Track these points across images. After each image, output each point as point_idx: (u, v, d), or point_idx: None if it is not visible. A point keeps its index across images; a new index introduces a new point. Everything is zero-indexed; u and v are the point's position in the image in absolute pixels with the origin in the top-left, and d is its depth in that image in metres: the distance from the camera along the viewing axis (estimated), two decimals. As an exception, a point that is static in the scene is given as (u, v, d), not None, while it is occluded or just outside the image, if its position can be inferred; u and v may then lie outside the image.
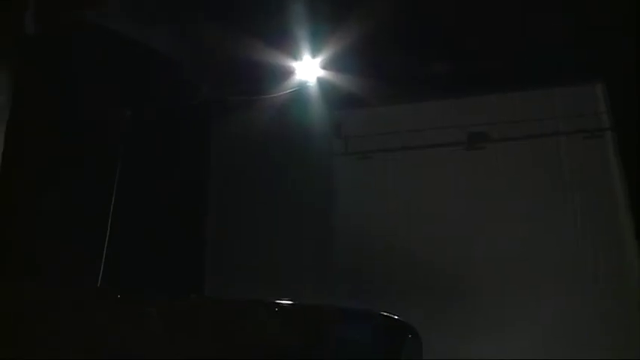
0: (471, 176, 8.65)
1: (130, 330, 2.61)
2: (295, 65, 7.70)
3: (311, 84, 8.00)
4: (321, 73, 7.82)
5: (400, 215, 8.63)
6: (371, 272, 8.13)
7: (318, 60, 7.60)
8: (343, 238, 8.54)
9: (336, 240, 8.60)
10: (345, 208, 8.70)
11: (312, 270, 8.31)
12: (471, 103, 8.68)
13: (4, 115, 6.19)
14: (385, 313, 2.57)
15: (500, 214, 8.28)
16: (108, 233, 6.60)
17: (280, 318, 2.63)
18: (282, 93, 7.94)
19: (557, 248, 7.94)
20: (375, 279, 8.01)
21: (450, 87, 8.26)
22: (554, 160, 8.34)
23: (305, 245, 8.42)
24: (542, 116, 8.34)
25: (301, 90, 8.01)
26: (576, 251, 7.87)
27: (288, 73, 7.79)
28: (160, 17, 7.18)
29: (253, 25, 7.00)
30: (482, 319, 7.86)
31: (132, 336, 2.63)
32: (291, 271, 7.97)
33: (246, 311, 2.67)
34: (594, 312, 7.40)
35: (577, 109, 8.23)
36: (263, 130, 8.27)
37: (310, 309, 2.68)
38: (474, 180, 8.60)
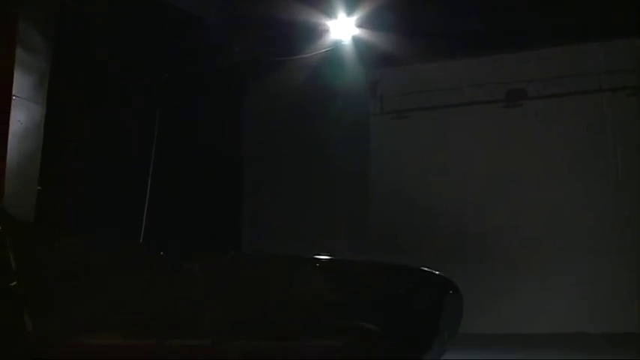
0: (508, 135, 8.52)
1: (173, 287, 2.68)
2: (330, 24, 7.57)
3: (346, 43, 7.86)
4: (357, 31, 7.68)
5: (436, 174, 8.57)
6: (406, 231, 8.13)
7: (354, 18, 7.46)
8: (379, 197, 8.55)
9: (371, 199, 8.61)
10: (380, 168, 8.67)
11: (348, 229, 8.35)
12: (509, 59, 8.48)
13: (44, 81, 6.31)
14: (426, 268, 2.56)
15: (537, 175, 8.16)
16: (148, 194, 6.72)
17: (321, 273, 2.65)
18: (316, 52, 7.85)
19: (591, 213, 7.83)
20: (410, 237, 8.01)
21: (488, 43, 8.06)
22: (595, 118, 8.13)
23: (341, 204, 8.45)
24: (584, 72, 8.11)
25: (336, 49, 7.89)
26: (611, 218, 7.75)
27: (322, 32, 7.68)
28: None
29: (287, -16, 6.92)
30: (515, 280, 7.85)
31: (174, 293, 2.70)
32: (327, 230, 8.01)
33: (287, 267, 2.70)
34: (623, 282, 7.32)
35: (620, 65, 7.97)
36: (298, 90, 8.22)
37: (351, 264, 2.70)
38: (512, 139, 8.47)
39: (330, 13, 7.42)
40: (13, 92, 5.84)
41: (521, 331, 7.63)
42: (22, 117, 6.03)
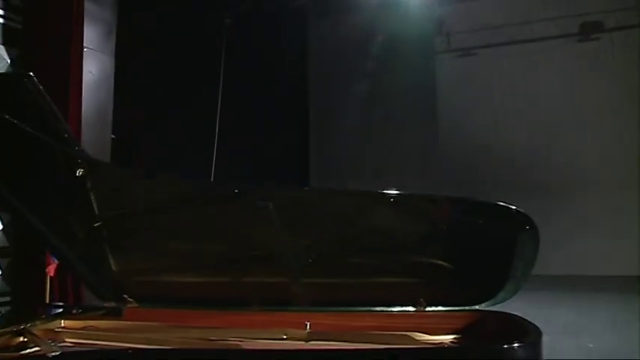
0: (582, 70, 8.17)
1: (247, 224, 2.72)
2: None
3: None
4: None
5: (503, 112, 8.36)
6: (475, 169, 8.00)
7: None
8: (446, 136, 8.41)
9: (439, 138, 8.49)
10: (447, 107, 8.50)
11: (415, 166, 8.28)
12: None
13: (112, 32, 6.44)
14: (502, 203, 2.50)
15: (609, 113, 7.85)
16: (217, 134, 6.82)
17: (394, 208, 2.64)
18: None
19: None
20: (478, 175, 7.90)
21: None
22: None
23: (409, 144, 8.37)
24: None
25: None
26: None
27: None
28: None
29: None
30: (586, 221, 7.68)
31: (248, 229, 2.75)
32: (394, 167, 7.97)
33: (360, 202, 2.69)
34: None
35: None
36: (363, 28, 8.07)
37: (423, 198, 2.66)
38: (585, 74, 8.13)
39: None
40: (84, 44, 6.00)
41: (594, 272, 7.50)
42: (93, 68, 6.21)
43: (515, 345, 2.12)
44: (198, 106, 7.00)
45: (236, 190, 2.63)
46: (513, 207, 2.49)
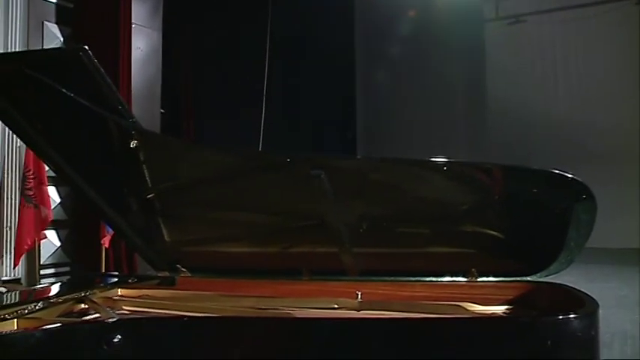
0: (638, 36, 7.83)
1: (299, 192, 2.73)
2: None
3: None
4: None
5: (556, 81, 8.12)
6: (524, 139, 7.82)
7: None
8: (495, 105, 8.22)
9: (488, 108, 8.30)
10: (496, 75, 8.29)
11: (465, 136, 8.14)
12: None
13: (159, 8, 6.50)
14: (558, 170, 2.43)
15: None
16: (264, 105, 6.84)
17: (448, 176, 2.60)
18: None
19: None
20: (527, 145, 7.71)
21: None
22: None
23: (457, 114, 8.23)
24: None
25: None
26: None
27: None
28: None
29: None
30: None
31: (300, 198, 2.76)
32: (443, 139, 7.85)
33: (413, 170, 2.66)
34: None
35: None
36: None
37: (478, 166, 2.61)
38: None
39: None
40: (132, 21, 6.09)
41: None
42: (141, 44, 6.31)
43: (572, 316, 2.07)
44: (245, 80, 7.02)
45: (288, 159, 2.62)
46: (570, 175, 2.42)
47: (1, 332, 2.14)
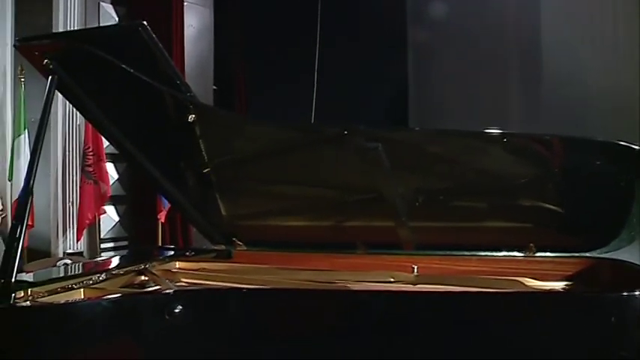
0: None
1: (355, 165, 2.72)
2: None
3: None
4: None
5: (614, 52, 7.76)
6: (580, 110, 7.52)
7: None
8: (550, 77, 7.90)
9: (542, 79, 8.00)
10: (550, 42, 7.95)
11: (519, 109, 7.88)
12: None
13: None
14: (623, 142, 2.34)
15: None
16: (315, 82, 6.82)
17: (507, 148, 2.54)
18: None
19: None
20: (583, 117, 7.41)
21: None
22: None
23: (511, 85, 7.97)
24: None
25: None
26: None
27: None
28: None
29: None
30: None
31: (356, 171, 2.75)
32: (499, 112, 7.63)
33: (471, 142, 2.61)
34: None
35: None
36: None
37: (538, 138, 2.53)
38: None
39: None
40: (184, -2, 6.15)
41: None
42: (193, 21, 6.37)
43: (637, 293, 2.01)
44: (297, 56, 7.00)
45: (345, 132, 2.60)
46: (636, 146, 2.32)
47: (71, 300, 2.24)
